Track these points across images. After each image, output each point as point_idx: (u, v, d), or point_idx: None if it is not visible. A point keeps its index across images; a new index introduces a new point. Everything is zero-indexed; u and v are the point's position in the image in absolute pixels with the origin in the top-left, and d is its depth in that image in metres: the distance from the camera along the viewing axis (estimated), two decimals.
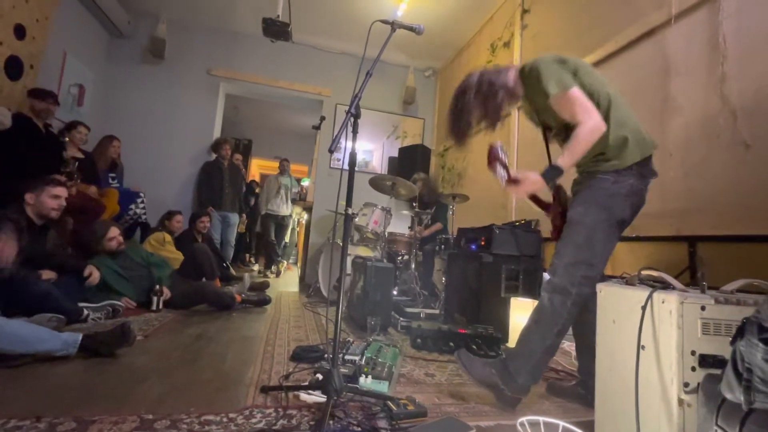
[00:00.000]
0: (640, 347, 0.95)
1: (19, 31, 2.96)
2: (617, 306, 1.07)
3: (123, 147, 3.83)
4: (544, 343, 1.31)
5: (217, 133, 4.65)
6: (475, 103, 1.45)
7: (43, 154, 2.74)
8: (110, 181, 3.53)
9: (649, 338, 0.94)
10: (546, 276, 1.38)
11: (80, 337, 1.51)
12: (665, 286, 1.02)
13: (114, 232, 2.65)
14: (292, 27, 3.63)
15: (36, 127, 2.77)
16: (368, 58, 1.47)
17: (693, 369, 0.88)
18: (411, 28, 1.52)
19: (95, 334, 1.57)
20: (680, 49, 1.95)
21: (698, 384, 0.85)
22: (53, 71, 3.45)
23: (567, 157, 1.28)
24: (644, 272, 1.12)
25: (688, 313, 0.89)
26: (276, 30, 3.54)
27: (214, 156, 4.39)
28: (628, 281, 1.13)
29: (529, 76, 1.38)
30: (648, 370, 0.93)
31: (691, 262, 1.73)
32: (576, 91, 1.29)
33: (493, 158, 1.41)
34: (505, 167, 1.39)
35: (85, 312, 2.06)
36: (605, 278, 1.56)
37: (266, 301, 2.96)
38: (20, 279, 1.83)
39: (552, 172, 1.30)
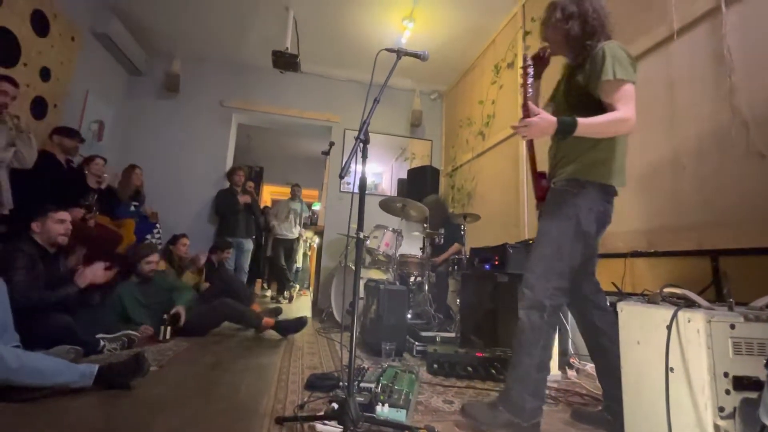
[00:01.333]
0: (668, 369, 0.91)
1: (45, 74, 3.13)
2: (641, 326, 1.03)
3: None
4: (533, 361, 1.30)
5: (230, 162, 4.77)
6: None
7: (66, 188, 2.84)
8: (132, 208, 3.61)
9: (678, 360, 0.90)
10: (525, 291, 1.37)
11: (96, 368, 1.51)
12: (690, 303, 0.99)
13: (154, 257, 2.78)
14: (300, 58, 3.77)
15: (59, 163, 2.89)
16: (375, 85, 1.50)
17: (727, 392, 0.83)
18: (416, 55, 1.56)
19: (110, 366, 1.57)
20: (685, 63, 1.95)
21: (734, 408, 0.80)
22: (75, 109, 3.61)
23: (588, 121, 1.25)
24: (666, 289, 1.09)
25: (717, 333, 0.85)
26: (285, 61, 3.68)
27: (227, 184, 4.48)
28: (650, 299, 1.09)
29: (594, 55, 1.34)
30: (679, 393, 0.89)
31: (715, 277, 1.67)
32: (633, 88, 1.29)
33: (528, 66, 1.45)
34: (528, 85, 1.41)
35: (102, 343, 2.08)
36: (625, 295, 1.52)
37: (303, 323, 2.83)
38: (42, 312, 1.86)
39: (567, 122, 1.26)
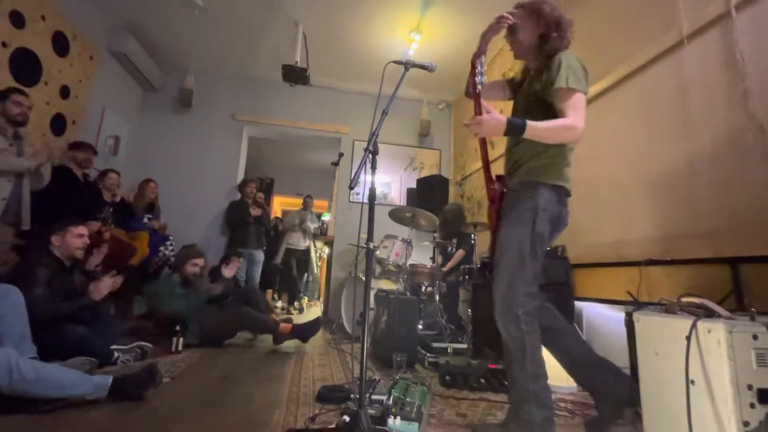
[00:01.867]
0: (689, 382, 0.88)
1: (64, 92, 3.25)
2: (658, 336, 1.01)
3: None
4: (526, 373, 1.28)
5: (241, 174, 4.85)
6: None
7: (83, 201, 2.91)
8: (146, 221, 3.68)
9: (698, 372, 0.87)
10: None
11: (110, 380, 1.53)
12: (709, 313, 0.96)
13: (201, 261, 2.95)
14: (309, 71, 3.84)
15: (75, 177, 2.97)
16: (383, 96, 1.52)
17: (752, 406, 0.80)
18: (423, 67, 1.58)
19: (124, 377, 1.58)
20: (696, 69, 1.93)
21: (760, 423, 0.77)
22: (93, 125, 3.73)
23: (537, 124, 1.26)
24: (684, 299, 1.06)
25: (739, 343, 0.83)
26: (295, 75, 3.76)
27: (239, 196, 4.54)
28: (667, 309, 1.07)
29: (551, 63, 1.36)
30: (701, 407, 0.86)
31: (735, 285, 1.62)
32: (583, 99, 1.32)
33: (476, 60, 1.47)
34: (476, 82, 1.44)
35: (115, 354, 2.10)
36: (641, 305, 1.48)
37: (319, 324, 2.86)
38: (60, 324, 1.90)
39: (516, 123, 1.26)
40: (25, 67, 2.85)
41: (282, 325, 2.80)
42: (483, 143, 1.55)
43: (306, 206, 5.48)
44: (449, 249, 3.60)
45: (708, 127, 1.85)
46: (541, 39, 1.41)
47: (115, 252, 2.97)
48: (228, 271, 3.15)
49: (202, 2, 3.57)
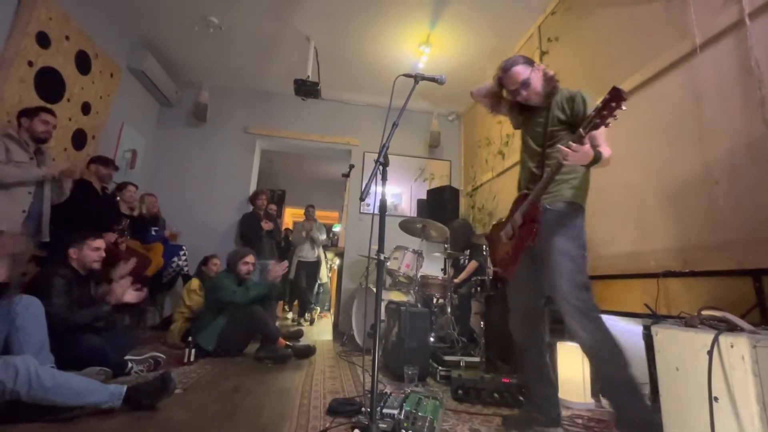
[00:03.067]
0: (712, 399, 0.85)
1: (86, 108, 3.37)
2: (679, 351, 0.98)
3: (168, 202, 4.16)
4: (625, 370, 1.29)
5: (253, 186, 4.92)
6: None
7: (101, 214, 2.99)
8: (152, 233, 3.75)
9: (722, 388, 0.84)
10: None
11: (125, 389, 1.55)
12: (731, 327, 0.93)
13: (251, 258, 3.12)
14: (321, 85, 3.91)
15: (95, 190, 3.05)
16: (393, 109, 1.54)
17: None
18: (433, 80, 1.60)
19: (137, 386, 1.60)
20: (711, 77, 1.91)
21: None
22: (111, 139, 3.84)
23: (606, 149, 1.42)
24: (705, 312, 1.03)
25: (765, 359, 0.80)
26: (306, 89, 3.83)
27: (251, 208, 4.60)
28: (687, 322, 1.04)
29: (571, 98, 1.56)
30: (726, 425, 0.83)
31: (759, 298, 1.57)
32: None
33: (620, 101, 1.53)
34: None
35: (129, 365, 2.12)
36: (659, 318, 1.44)
37: (312, 351, 2.88)
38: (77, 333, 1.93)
39: (599, 154, 1.38)
40: (49, 85, 2.96)
41: (281, 339, 2.84)
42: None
43: (308, 216, 5.49)
44: (461, 261, 3.57)
45: (725, 135, 1.82)
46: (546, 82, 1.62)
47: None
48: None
49: (217, 20, 3.69)
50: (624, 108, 1.24)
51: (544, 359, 1.65)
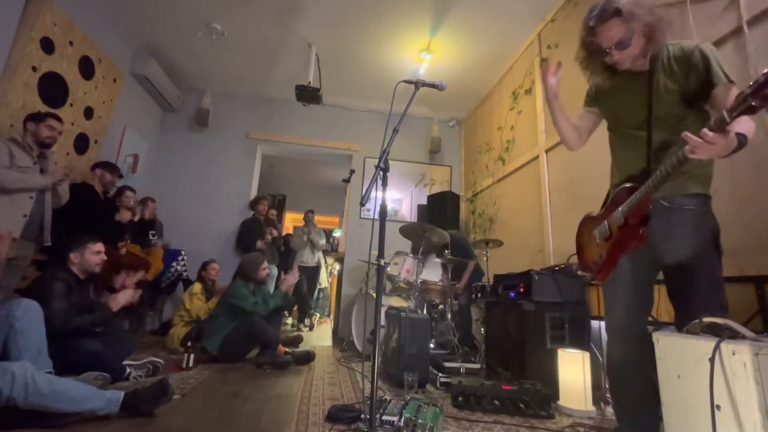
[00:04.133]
0: (714, 407, 0.84)
1: (88, 113, 3.39)
2: (680, 358, 0.97)
3: (169, 206, 4.16)
4: None
5: (254, 190, 4.93)
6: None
7: (102, 217, 2.99)
8: (150, 237, 3.74)
9: (724, 396, 0.84)
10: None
11: (122, 395, 1.53)
12: (733, 334, 0.92)
13: (266, 264, 3.17)
14: (322, 91, 3.94)
15: (97, 194, 3.05)
16: (394, 114, 1.54)
17: None
18: (434, 86, 1.60)
19: (135, 392, 1.59)
20: None
21: None
22: (113, 144, 3.86)
23: (746, 124, 1.01)
24: (706, 319, 1.02)
25: (767, 366, 0.79)
26: (308, 95, 3.85)
27: (251, 213, 4.61)
28: (688, 329, 1.03)
29: (686, 54, 1.20)
30: None
31: (761, 305, 1.56)
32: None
33: None
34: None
35: (128, 370, 2.11)
36: (661, 324, 1.42)
37: (311, 357, 2.85)
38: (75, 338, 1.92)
39: (743, 139, 1.00)
40: (53, 89, 2.99)
41: (280, 346, 2.82)
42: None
43: (308, 221, 5.48)
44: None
45: None
46: (647, 38, 1.21)
47: (130, 266, 3.03)
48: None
49: (220, 26, 3.73)
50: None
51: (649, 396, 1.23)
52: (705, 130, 0.93)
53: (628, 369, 1.29)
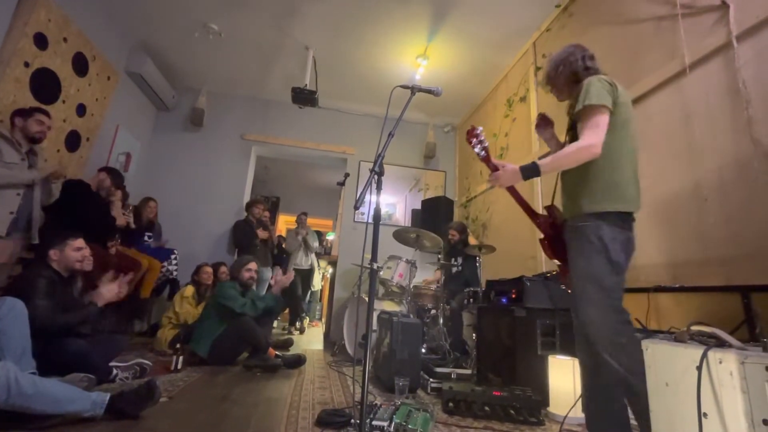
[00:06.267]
0: (701, 415, 0.85)
1: (80, 110, 3.35)
2: (669, 366, 0.98)
3: (161, 206, 4.08)
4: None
5: (248, 192, 4.90)
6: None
7: (96, 216, 2.93)
8: (146, 239, 3.69)
9: (711, 404, 0.85)
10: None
11: (108, 397, 1.50)
12: (720, 343, 0.94)
13: (253, 266, 3.09)
14: (318, 94, 3.94)
15: (91, 192, 2.97)
16: (390, 119, 1.55)
17: None
18: (429, 91, 1.61)
19: (121, 394, 1.55)
20: (700, 97, 1.95)
21: None
22: (106, 142, 3.82)
23: (549, 161, 1.38)
24: (694, 327, 1.04)
25: (753, 375, 0.80)
26: (304, 97, 3.85)
27: (245, 214, 4.57)
28: (677, 338, 1.04)
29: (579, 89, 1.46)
30: None
31: (747, 314, 1.58)
32: (599, 112, 1.34)
33: (472, 137, 1.63)
34: (485, 149, 1.60)
35: (114, 371, 2.07)
36: (650, 333, 1.44)
37: (302, 361, 2.82)
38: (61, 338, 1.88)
39: (530, 169, 1.38)
40: (45, 86, 2.95)
41: (270, 349, 2.80)
42: (512, 189, 1.60)
43: (300, 224, 5.45)
44: (453, 270, 3.57)
45: (713, 153, 1.86)
46: (573, 78, 1.52)
47: (120, 267, 2.98)
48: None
49: (217, 27, 3.72)
50: (474, 141, 1.59)
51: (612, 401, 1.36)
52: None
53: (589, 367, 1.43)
